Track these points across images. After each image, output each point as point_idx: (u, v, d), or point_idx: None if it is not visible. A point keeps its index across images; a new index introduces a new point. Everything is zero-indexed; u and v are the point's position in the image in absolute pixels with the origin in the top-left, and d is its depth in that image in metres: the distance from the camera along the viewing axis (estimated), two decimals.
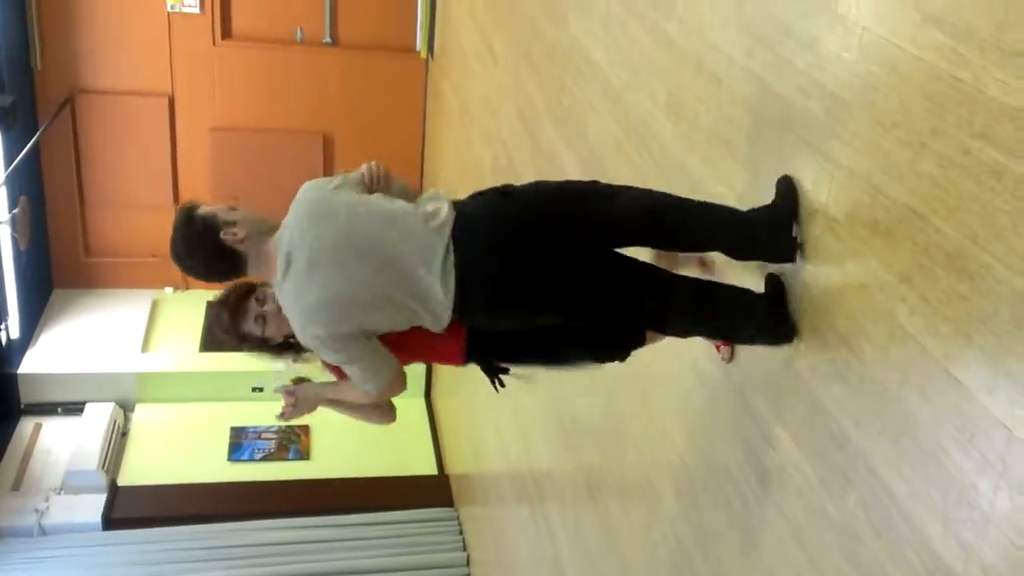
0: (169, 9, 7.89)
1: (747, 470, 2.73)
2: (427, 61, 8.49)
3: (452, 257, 2.35)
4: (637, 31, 3.63)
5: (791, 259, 2.43)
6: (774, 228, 2.43)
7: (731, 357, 2.81)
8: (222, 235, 2.38)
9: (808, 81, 2.42)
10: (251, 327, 2.58)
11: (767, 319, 2.48)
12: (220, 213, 2.42)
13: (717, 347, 2.87)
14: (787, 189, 2.44)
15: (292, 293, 2.41)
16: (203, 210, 2.45)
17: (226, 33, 8.15)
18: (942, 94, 1.90)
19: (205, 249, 2.41)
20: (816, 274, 2.38)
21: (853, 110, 2.22)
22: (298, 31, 8.27)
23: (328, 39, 8.36)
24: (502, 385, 2.75)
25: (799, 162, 2.46)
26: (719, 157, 2.95)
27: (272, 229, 2.47)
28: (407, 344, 2.53)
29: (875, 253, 2.13)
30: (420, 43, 8.44)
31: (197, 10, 7.94)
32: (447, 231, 2.38)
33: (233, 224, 2.40)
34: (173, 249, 2.45)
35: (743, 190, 2.78)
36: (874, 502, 2.11)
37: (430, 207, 2.45)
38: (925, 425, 1.94)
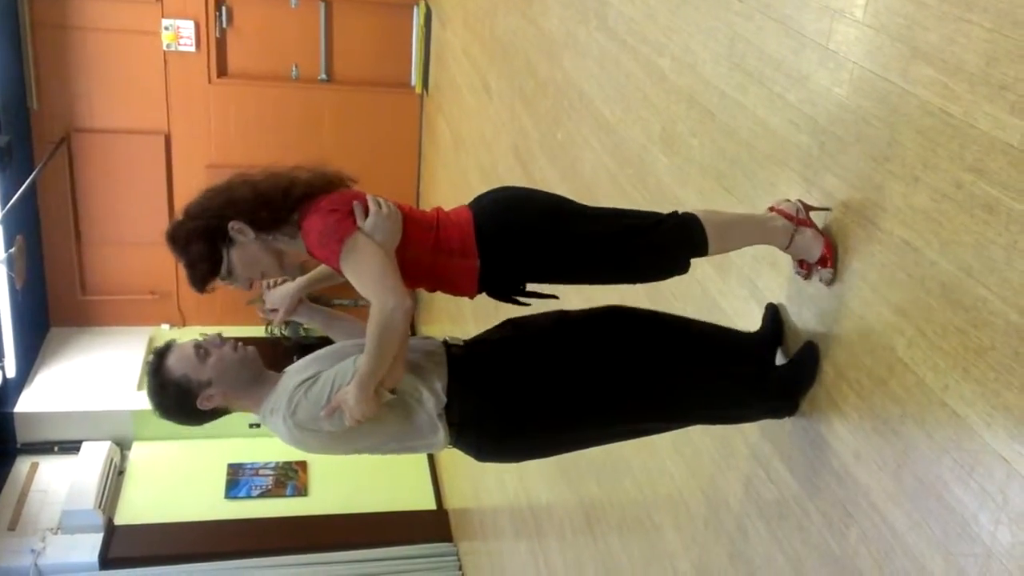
0: (165, 48, 7.93)
1: (747, 504, 2.72)
2: (422, 96, 8.54)
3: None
4: (630, 66, 3.66)
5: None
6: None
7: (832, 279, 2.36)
8: (198, 403, 2.27)
9: (800, 115, 2.44)
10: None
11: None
12: (192, 372, 2.25)
13: (805, 265, 2.43)
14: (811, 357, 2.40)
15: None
16: (175, 370, 2.26)
17: (222, 71, 8.20)
18: (934, 128, 1.91)
19: (182, 414, 2.33)
20: (812, 307, 2.39)
21: (846, 144, 2.23)
22: (293, 68, 8.32)
23: (323, 76, 8.41)
24: (525, 304, 2.48)
25: (793, 195, 2.47)
26: (713, 190, 2.96)
27: (253, 374, 2.31)
28: (417, 268, 2.28)
29: (871, 286, 2.14)
30: (415, 78, 8.49)
31: (193, 49, 7.99)
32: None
33: (208, 385, 2.25)
34: (150, 401, 2.34)
35: None
36: (875, 536, 2.10)
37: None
38: (925, 458, 1.94)
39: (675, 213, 2.36)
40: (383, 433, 2.24)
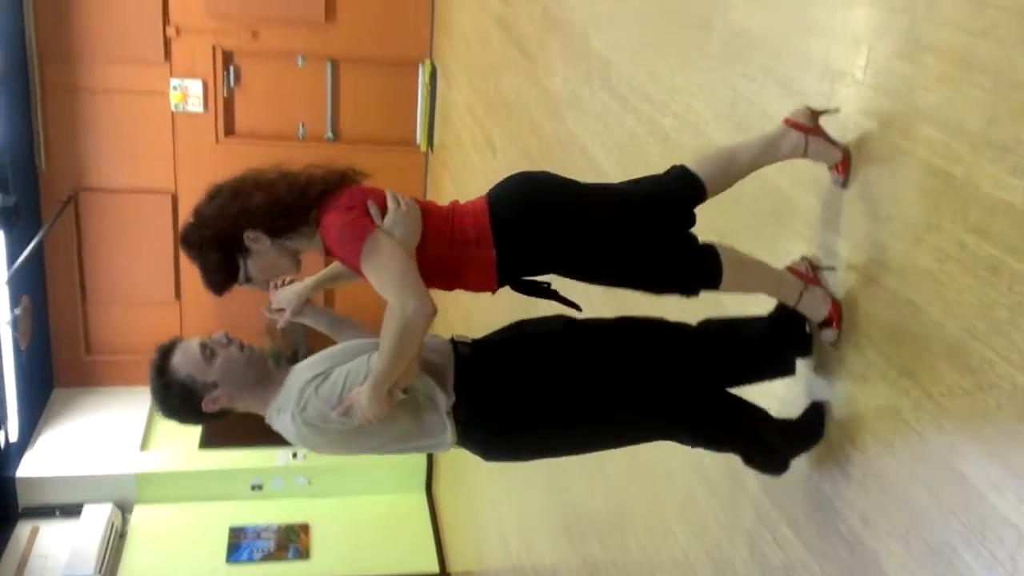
0: (173, 109, 8.00)
1: (753, 568, 2.67)
2: (427, 154, 8.59)
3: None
4: (633, 125, 3.67)
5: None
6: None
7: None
8: (203, 406, 2.24)
9: (803, 174, 2.43)
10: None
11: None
12: (197, 373, 2.22)
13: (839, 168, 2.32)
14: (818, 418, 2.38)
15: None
16: (179, 370, 2.23)
17: (229, 130, 8.26)
18: (936, 189, 1.91)
19: (186, 415, 2.29)
20: (817, 365, 2.36)
21: (848, 203, 2.23)
22: (300, 127, 8.38)
23: (330, 134, 8.46)
24: (557, 299, 2.44)
25: (796, 254, 2.45)
26: None
27: (259, 374, 2.29)
28: (434, 263, 2.21)
29: (875, 346, 2.11)
30: (420, 136, 8.54)
31: (201, 109, 8.05)
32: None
33: (214, 387, 2.23)
34: (153, 399, 2.30)
35: None
36: None
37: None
38: (933, 522, 1.90)
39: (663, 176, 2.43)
40: (392, 432, 2.21)
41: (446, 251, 2.21)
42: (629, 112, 3.72)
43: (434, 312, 2.00)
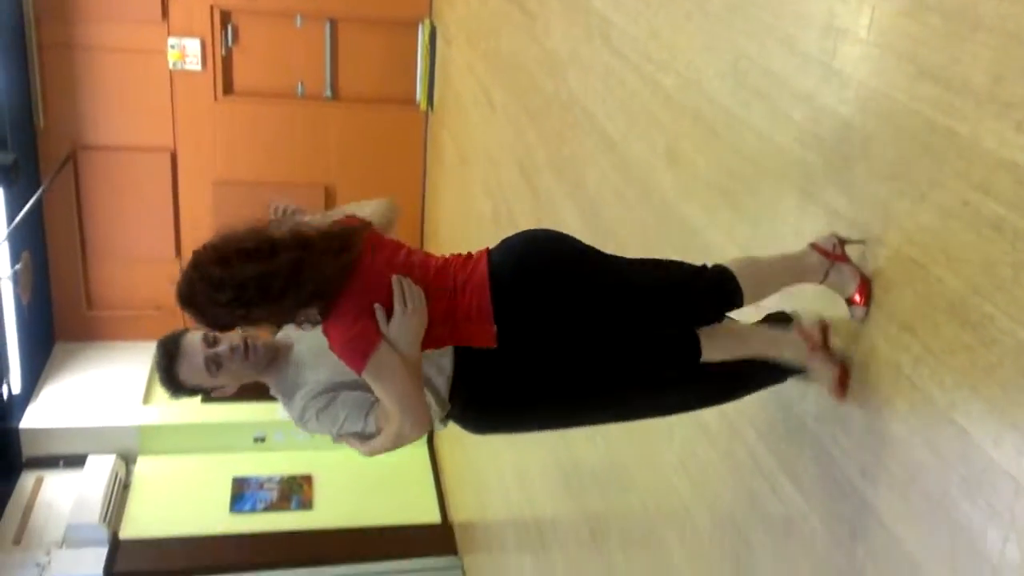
0: (171, 67, 7.97)
1: (752, 520, 2.72)
2: (427, 113, 8.57)
3: None
4: (635, 84, 3.68)
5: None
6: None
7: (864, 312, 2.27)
8: (212, 395, 2.39)
9: (805, 133, 2.45)
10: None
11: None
12: (204, 382, 2.32)
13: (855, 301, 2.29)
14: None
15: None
16: (186, 380, 2.31)
17: (227, 89, 8.23)
18: (939, 146, 1.93)
19: (195, 396, 2.42)
20: (818, 321, 2.39)
21: (851, 161, 2.25)
22: (299, 86, 8.36)
23: (328, 93, 8.44)
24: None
25: (799, 212, 2.48)
26: (718, 207, 2.97)
27: (265, 365, 2.37)
28: (435, 337, 2.23)
29: (877, 303, 2.14)
30: (420, 95, 8.52)
31: (199, 67, 8.02)
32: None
33: (222, 387, 2.35)
34: (163, 387, 2.38)
35: (743, 241, 2.80)
36: (882, 553, 2.10)
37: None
38: (932, 475, 1.94)
39: (707, 268, 2.29)
40: None
41: (447, 331, 2.22)
42: (631, 71, 3.72)
43: (429, 427, 2.20)
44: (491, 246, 2.29)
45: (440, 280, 2.20)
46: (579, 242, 2.33)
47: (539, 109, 5.07)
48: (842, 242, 2.24)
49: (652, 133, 3.52)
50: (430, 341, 2.19)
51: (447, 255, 2.29)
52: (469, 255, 2.26)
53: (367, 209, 2.44)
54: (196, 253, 2.10)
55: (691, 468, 3.19)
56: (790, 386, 2.53)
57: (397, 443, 2.17)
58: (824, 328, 2.31)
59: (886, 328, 2.10)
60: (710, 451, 3.03)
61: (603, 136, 4.06)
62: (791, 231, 2.52)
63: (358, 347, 2.08)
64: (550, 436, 4.80)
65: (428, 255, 2.28)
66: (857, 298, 2.20)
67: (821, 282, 2.26)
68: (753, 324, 2.49)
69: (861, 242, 2.22)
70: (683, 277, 2.28)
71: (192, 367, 2.30)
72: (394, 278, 2.13)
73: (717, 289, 2.24)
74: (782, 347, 2.34)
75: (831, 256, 2.23)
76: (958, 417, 1.87)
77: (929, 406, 1.95)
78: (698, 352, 2.32)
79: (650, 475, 3.56)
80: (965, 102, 1.86)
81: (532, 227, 2.39)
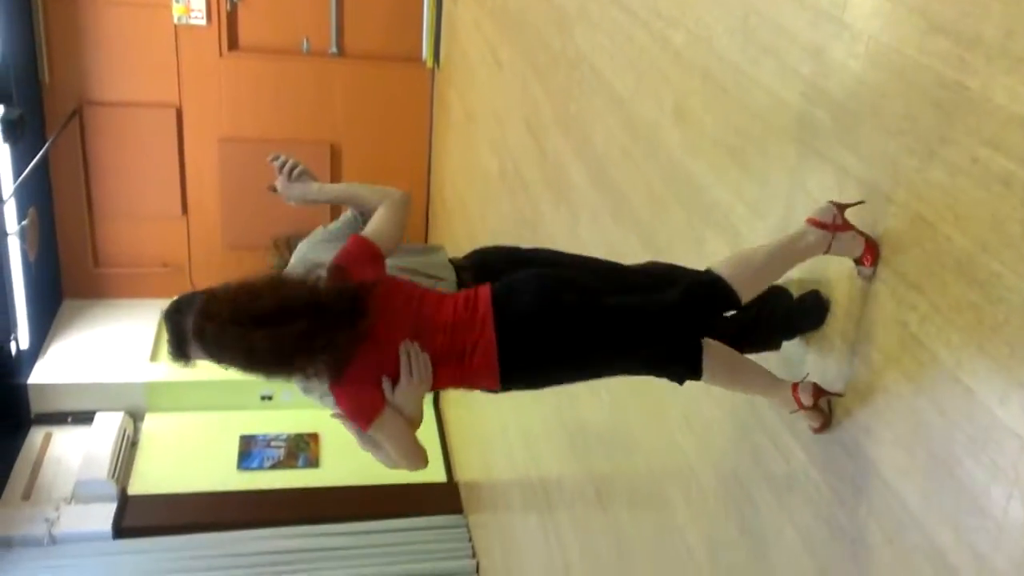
0: (176, 22, 7.91)
1: (757, 478, 2.73)
2: (433, 70, 8.51)
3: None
4: (644, 40, 3.64)
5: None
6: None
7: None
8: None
9: (815, 89, 2.42)
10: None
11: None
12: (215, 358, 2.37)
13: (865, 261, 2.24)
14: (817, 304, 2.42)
15: None
16: (199, 356, 2.31)
17: (232, 45, 8.18)
18: (950, 102, 1.90)
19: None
20: (825, 280, 2.38)
21: (860, 118, 2.22)
22: (304, 42, 8.29)
23: (334, 49, 8.38)
24: None
25: (807, 170, 2.46)
26: (726, 165, 2.95)
27: None
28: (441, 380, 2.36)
29: (885, 261, 2.13)
30: (426, 52, 8.45)
31: (203, 22, 7.97)
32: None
33: None
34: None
35: (751, 199, 2.78)
36: (885, 510, 2.11)
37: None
38: (937, 434, 1.94)
39: (699, 281, 2.30)
40: None
41: (455, 382, 2.37)
42: (639, 27, 3.68)
43: (424, 466, 2.36)
44: (494, 288, 2.32)
45: (449, 345, 2.27)
46: (576, 285, 2.35)
47: (546, 66, 5.03)
48: (841, 208, 2.19)
49: (660, 90, 3.49)
50: (435, 385, 2.32)
51: (455, 300, 2.32)
52: (475, 307, 2.28)
53: (376, 197, 2.46)
54: (210, 302, 2.14)
55: (696, 426, 3.19)
56: (792, 345, 2.52)
57: (389, 467, 2.37)
58: (837, 205, 2.20)
59: (894, 286, 2.09)
60: (714, 409, 3.03)
61: (611, 93, 4.02)
62: (799, 189, 2.50)
63: (364, 413, 2.24)
64: (554, 396, 4.82)
65: (438, 303, 2.31)
66: (866, 260, 2.17)
67: (826, 253, 2.22)
68: (758, 366, 2.50)
69: (861, 202, 2.19)
70: (675, 299, 2.30)
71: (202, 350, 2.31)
72: (402, 348, 2.22)
73: (710, 300, 2.27)
74: (800, 248, 2.25)
75: (831, 227, 2.17)
76: (964, 376, 1.86)
77: (935, 365, 1.94)
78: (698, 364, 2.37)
79: (655, 434, 3.57)
80: (976, 57, 1.83)
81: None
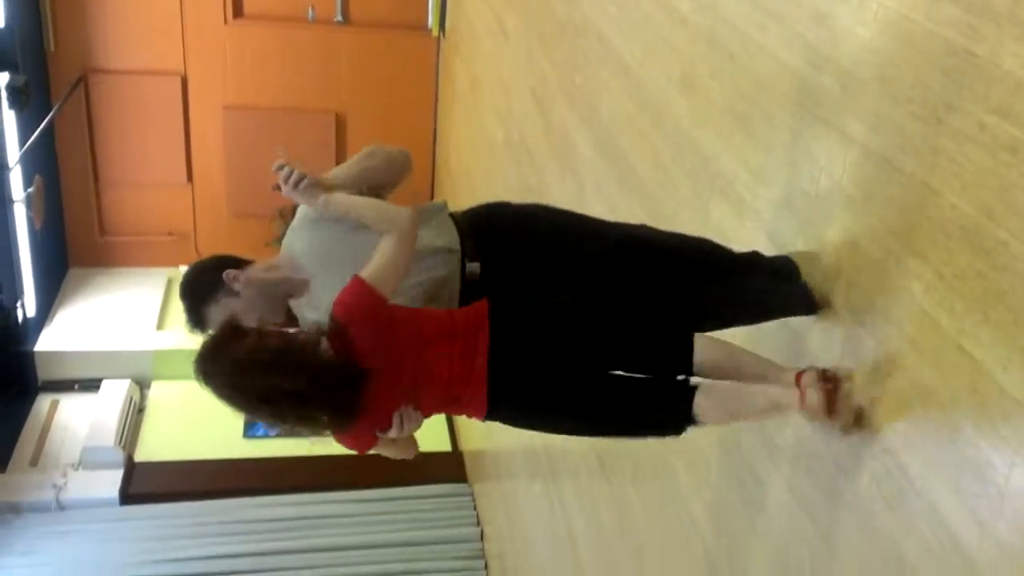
0: None
1: (759, 447, 2.74)
2: (439, 39, 8.47)
3: None
4: (650, 7, 3.62)
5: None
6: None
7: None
8: None
9: (822, 56, 2.41)
10: None
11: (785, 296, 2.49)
12: None
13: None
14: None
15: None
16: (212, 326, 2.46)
17: (238, 12, 8.14)
18: (958, 69, 1.89)
19: None
20: (830, 248, 2.38)
21: (867, 85, 2.21)
22: (309, 10, 8.25)
23: (340, 18, 8.34)
24: None
25: (813, 137, 2.45)
26: (732, 133, 2.94)
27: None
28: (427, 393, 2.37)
29: (889, 229, 2.12)
30: (432, 21, 8.41)
31: None
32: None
33: None
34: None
35: (756, 167, 2.77)
36: (887, 478, 2.11)
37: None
38: (939, 402, 1.94)
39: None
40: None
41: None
42: None
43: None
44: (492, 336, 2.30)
45: (445, 397, 2.35)
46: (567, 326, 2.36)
47: (552, 35, 5.00)
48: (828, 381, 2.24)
49: (667, 58, 3.47)
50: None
51: (451, 352, 2.30)
52: (473, 358, 2.28)
53: (379, 157, 2.46)
54: (222, 345, 2.22)
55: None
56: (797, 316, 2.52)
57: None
58: (830, 405, 2.22)
59: (898, 256, 2.09)
60: None
61: (617, 61, 4.00)
62: (804, 157, 2.49)
63: (356, 445, 2.43)
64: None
65: (436, 360, 2.30)
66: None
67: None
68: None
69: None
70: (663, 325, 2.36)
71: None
72: (395, 416, 2.28)
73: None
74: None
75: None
76: (966, 343, 1.86)
77: (937, 333, 1.94)
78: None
79: None
80: (985, 24, 1.82)
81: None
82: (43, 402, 7.68)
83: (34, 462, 7.13)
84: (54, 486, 6.87)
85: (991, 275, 1.79)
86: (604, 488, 4.23)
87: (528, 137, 5.48)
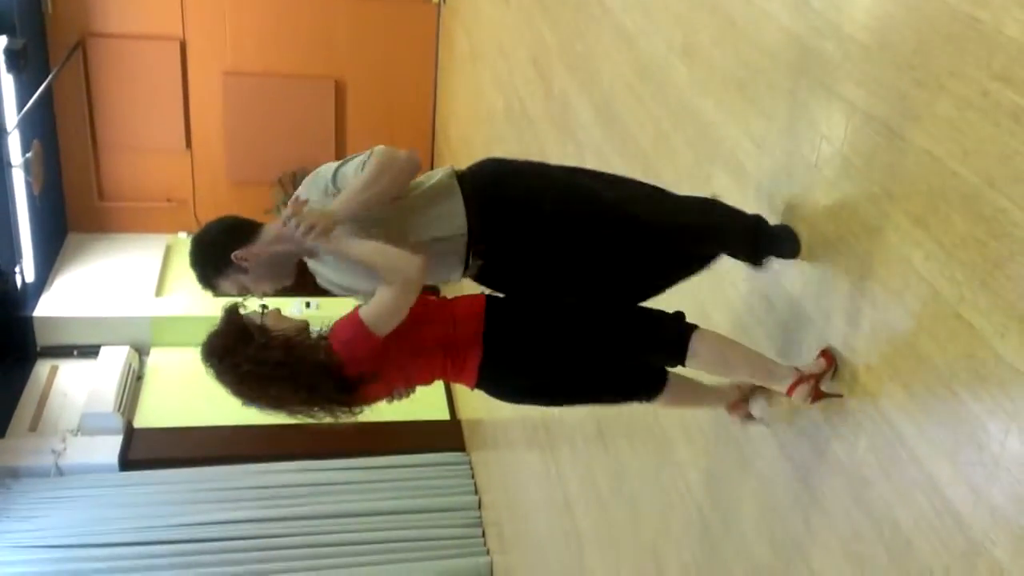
0: None
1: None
2: (439, 5, 8.41)
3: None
4: None
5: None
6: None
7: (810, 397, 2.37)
8: None
9: (825, 22, 2.39)
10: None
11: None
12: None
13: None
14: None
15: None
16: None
17: None
18: (960, 35, 1.88)
19: None
20: (830, 217, 2.37)
21: (870, 51, 2.20)
22: None
23: None
24: None
25: (815, 104, 2.44)
26: (734, 100, 2.93)
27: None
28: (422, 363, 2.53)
29: (890, 196, 2.12)
30: None
31: None
32: None
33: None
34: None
35: (758, 135, 2.76)
36: (883, 444, 2.12)
37: None
38: (936, 369, 1.94)
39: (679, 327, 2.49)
40: None
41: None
42: None
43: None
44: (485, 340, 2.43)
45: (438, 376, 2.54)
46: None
47: (554, 2, 4.96)
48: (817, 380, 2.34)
49: (668, 25, 3.45)
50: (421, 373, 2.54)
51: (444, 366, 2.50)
52: (463, 365, 2.48)
53: (386, 179, 2.48)
54: (228, 349, 2.46)
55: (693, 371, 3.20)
56: (791, 283, 2.52)
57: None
58: (816, 396, 2.36)
59: (898, 223, 2.08)
60: None
61: (618, 29, 3.98)
62: (806, 124, 2.48)
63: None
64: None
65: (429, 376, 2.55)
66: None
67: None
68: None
69: (839, 395, 2.30)
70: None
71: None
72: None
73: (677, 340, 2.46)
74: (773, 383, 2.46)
75: (804, 379, 2.34)
76: (965, 311, 1.86)
77: (937, 301, 1.94)
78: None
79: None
80: None
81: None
82: (42, 368, 7.69)
83: (33, 427, 7.15)
84: (53, 451, 6.89)
85: (991, 243, 1.79)
86: (600, 456, 4.24)
87: (528, 105, 5.45)
